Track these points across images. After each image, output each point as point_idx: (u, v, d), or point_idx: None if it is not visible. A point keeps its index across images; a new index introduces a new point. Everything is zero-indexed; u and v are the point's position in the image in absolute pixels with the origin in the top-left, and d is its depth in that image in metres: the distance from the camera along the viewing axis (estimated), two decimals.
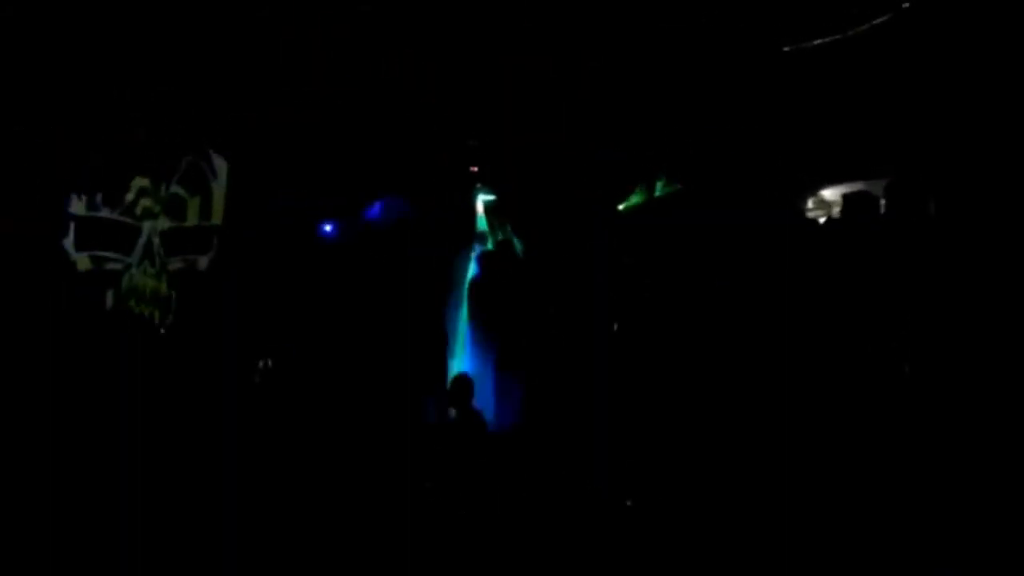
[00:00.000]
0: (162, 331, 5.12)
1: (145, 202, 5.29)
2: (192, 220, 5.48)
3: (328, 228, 6.20)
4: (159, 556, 3.92)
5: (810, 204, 5.52)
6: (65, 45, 4.72)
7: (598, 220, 5.43)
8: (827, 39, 5.09)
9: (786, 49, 5.15)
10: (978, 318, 3.65)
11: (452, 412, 5.47)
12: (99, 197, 4.98)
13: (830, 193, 5.46)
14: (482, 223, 6.77)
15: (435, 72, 5.82)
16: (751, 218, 4.49)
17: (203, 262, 5.33)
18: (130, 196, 5.17)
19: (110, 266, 5.02)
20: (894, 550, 3.42)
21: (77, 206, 4.87)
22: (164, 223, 5.27)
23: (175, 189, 5.36)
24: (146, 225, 5.23)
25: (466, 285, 6.35)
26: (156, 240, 5.20)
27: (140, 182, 5.24)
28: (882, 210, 4.47)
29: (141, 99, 5.11)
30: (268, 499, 4.42)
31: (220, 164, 5.47)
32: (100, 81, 4.90)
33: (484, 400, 5.54)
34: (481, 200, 6.64)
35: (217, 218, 5.51)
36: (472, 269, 6.45)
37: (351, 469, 4.70)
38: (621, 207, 5.68)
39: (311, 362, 5.45)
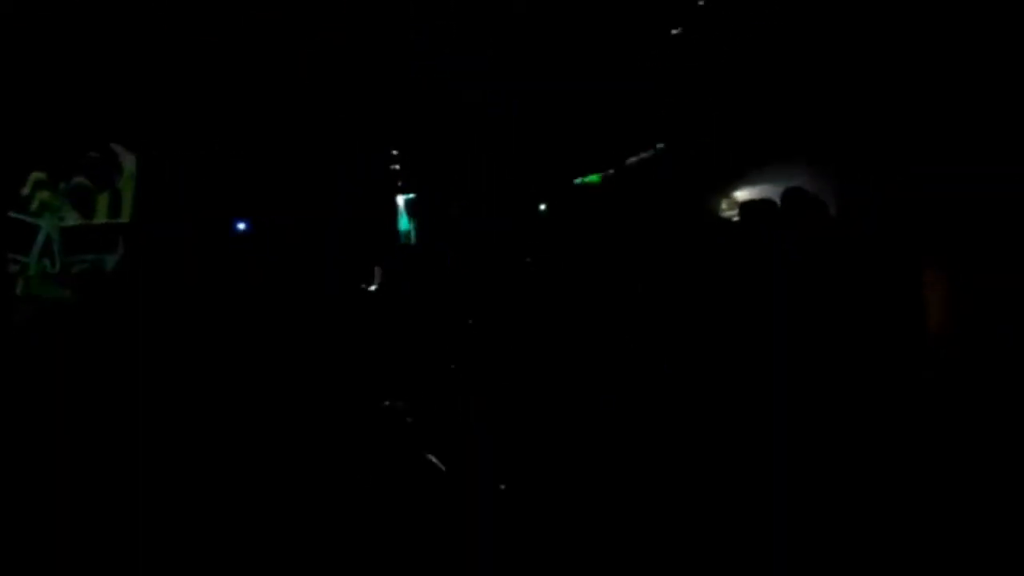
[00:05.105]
0: (64, 333, 4.93)
1: (43, 197, 5.09)
2: (98, 218, 5.29)
3: (242, 226, 6.05)
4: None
5: (724, 205, 5.53)
6: None
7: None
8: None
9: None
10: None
11: None
12: None
13: (743, 195, 5.47)
14: (404, 222, 6.72)
15: (345, 67, 5.68)
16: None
17: (110, 262, 5.16)
18: (26, 191, 4.99)
19: (7, 267, 4.88)
20: None
21: None
22: (66, 220, 5.09)
23: (78, 185, 5.16)
24: (44, 223, 5.05)
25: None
26: (55, 238, 5.03)
27: (37, 176, 5.05)
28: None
29: (41, 91, 4.92)
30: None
31: (128, 160, 5.28)
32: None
33: None
34: (402, 199, 6.58)
35: (125, 216, 5.32)
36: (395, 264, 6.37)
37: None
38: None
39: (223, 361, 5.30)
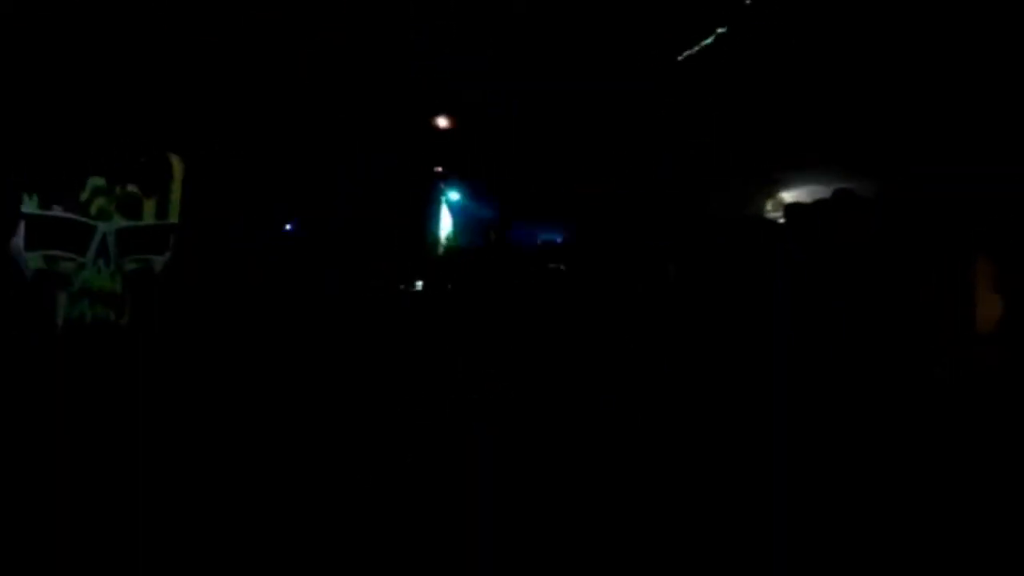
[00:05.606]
0: (116, 331, 5.17)
1: (100, 201, 5.38)
2: (148, 219, 5.52)
3: (290, 227, 6.20)
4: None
5: (769, 206, 5.31)
6: (17, 43, 4.80)
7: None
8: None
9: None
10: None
11: None
12: (52, 196, 5.18)
13: (790, 196, 5.24)
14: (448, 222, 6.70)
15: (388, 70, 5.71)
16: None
17: (159, 262, 5.38)
18: (84, 195, 5.28)
19: (62, 265, 5.15)
20: None
21: (29, 205, 5.04)
22: (119, 222, 5.34)
23: (130, 188, 5.41)
24: (100, 224, 5.31)
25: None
26: (111, 239, 5.28)
27: (95, 181, 5.35)
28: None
29: (94, 97, 5.17)
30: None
31: (177, 163, 5.49)
32: (54, 79, 5.00)
33: None
34: (445, 200, 6.56)
35: (174, 217, 5.54)
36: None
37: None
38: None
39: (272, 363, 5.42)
